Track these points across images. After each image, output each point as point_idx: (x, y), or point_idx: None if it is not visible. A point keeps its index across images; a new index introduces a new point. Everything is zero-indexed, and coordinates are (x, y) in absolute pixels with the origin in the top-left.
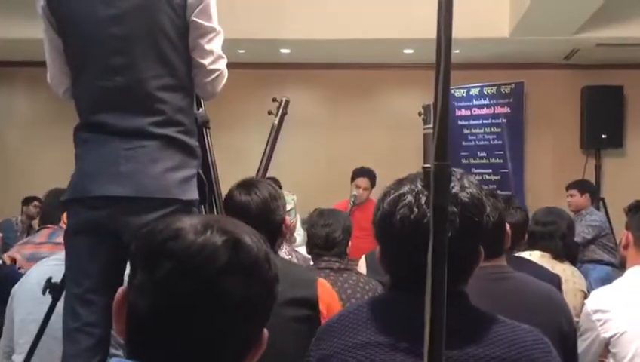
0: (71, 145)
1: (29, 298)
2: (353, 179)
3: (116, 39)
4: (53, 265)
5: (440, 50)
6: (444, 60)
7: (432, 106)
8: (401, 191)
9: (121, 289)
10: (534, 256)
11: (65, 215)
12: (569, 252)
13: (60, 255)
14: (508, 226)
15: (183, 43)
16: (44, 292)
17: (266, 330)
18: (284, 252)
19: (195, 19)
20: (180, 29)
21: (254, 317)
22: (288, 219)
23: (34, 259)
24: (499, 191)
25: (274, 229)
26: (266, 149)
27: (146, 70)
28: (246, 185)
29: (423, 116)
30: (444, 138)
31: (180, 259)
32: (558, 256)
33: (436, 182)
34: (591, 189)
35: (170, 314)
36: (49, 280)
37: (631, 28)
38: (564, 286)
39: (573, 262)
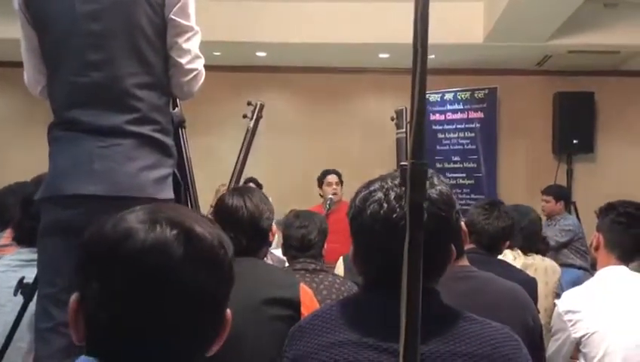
0: (43, 144)
1: None
2: (322, 180)
3: (93, 35)
4: (0, 272)
5: (417, 48)
6: (420, 58)
7: (405, 111)
8: (371, 189)
9: (73, 298)
10: (507, 254)
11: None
12: (531, 244)
13: (5, 260)
14: (464, 224)
15: (161, 41)
16: (15, 293)
17: (229, 310)
18: None
19: (173, 17)
20: (158, 27)
21: (217, 303)
22: (275, 227)
23: None
24: (472, 196)
25: (262, 235)
26: (240, 152)
27: (123, 67)
28: (239, 191)
29: (395, 121)
30: (421, 137)
31: (134, 262)
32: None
33: (412, 180)
34: (566, 197)
35: (133, 318)
36: (21, 280)
37: (602, 35)
38: None
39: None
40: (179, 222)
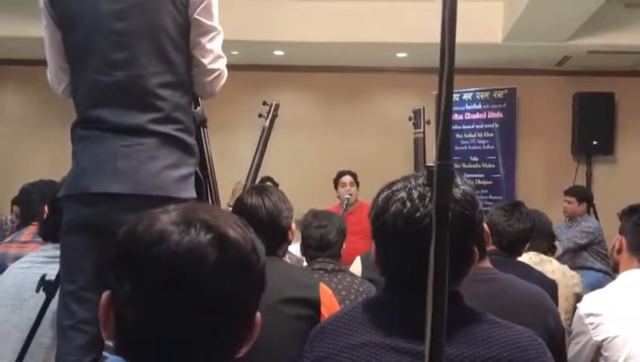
0: (61, 144)
1: (2, 304)
2: (337, 181)
3: (117, 34)
4: (25, 268)
5: (444, 49)
6: (447, 58)
7: (422, 110)
8: (394, 188)
9: (105, 295)
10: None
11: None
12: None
13: (30, 256)
14: (486, 226)
15: (184, 41)
16: (37, 290)
17: (259, 314)
18: None
19: (197, 17)
20: (182, 27)
21: (247, 307)
22: (294, 225)
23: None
24: (491, 196)
25: (281, 234)
26: (256, 152)
27: (147, 66)
28: (257, 190)
29: (413, 120)
30: (447, 138)
31: (167, 265)
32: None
33: (439, 181)
34: (589, 199)
35: (163, 321)
36: (43, 277)
37: (622, 35)
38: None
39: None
40: (213, 226)
